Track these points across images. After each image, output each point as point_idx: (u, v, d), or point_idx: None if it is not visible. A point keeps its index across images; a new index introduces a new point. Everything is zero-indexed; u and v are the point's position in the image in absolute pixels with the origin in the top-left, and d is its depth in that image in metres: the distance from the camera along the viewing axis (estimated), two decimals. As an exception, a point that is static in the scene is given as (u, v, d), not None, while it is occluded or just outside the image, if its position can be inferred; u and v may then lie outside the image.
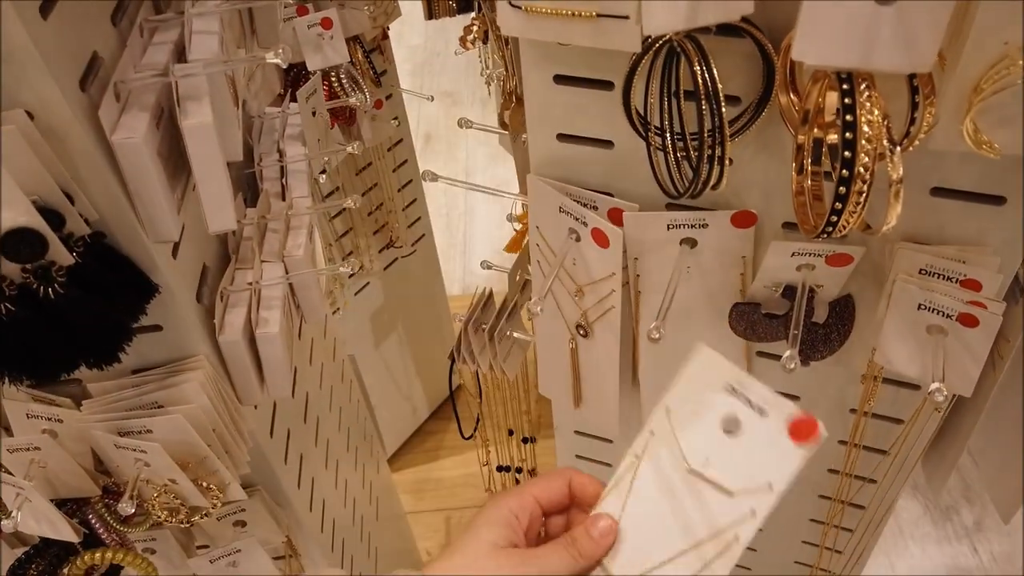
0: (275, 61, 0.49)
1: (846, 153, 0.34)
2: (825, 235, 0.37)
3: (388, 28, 1.14)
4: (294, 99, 0.78)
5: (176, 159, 0.51)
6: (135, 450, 0.53)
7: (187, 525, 0.58)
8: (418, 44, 2.87)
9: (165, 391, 0.54)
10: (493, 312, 0.75)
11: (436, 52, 2.84)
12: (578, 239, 0.55)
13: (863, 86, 0.34)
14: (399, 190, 1.31)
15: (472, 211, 2.24)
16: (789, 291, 0.53)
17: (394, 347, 1.43)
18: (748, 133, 0.46)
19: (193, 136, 0.48)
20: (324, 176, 1.12)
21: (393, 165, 1.28)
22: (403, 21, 1.15)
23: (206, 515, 0.58)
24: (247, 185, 0.69)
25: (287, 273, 0.62)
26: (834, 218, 0.36)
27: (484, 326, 0.74)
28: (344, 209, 1.22)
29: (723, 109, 0.39)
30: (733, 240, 0.53)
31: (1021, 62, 0.32)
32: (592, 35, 0.41)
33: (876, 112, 0.34)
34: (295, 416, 0.75)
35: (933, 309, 0.46)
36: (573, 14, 0.40)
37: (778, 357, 0.60)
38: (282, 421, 0.71)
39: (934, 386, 0.43)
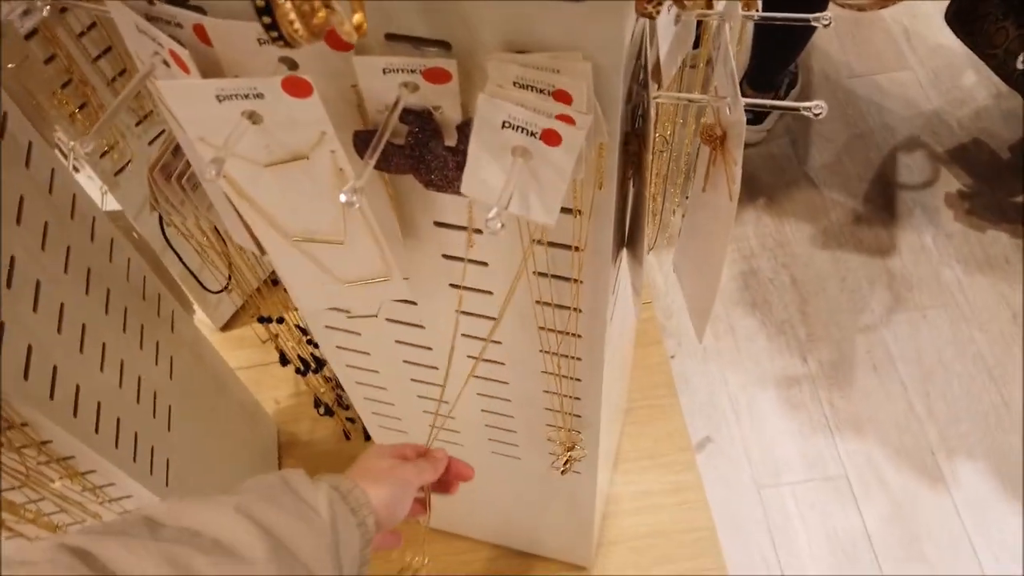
0: None
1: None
2: (280, 43, 0.31)
3: None
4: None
5: None
6: None
7: None
8: None
9: None
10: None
11: None
12: (168, 64, 0.47)
13: None
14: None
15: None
16: (407, 114, 0.47)
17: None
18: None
19: None
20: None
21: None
22: None
23: None
24: None
25: None
26: (266, 19, 0.29)
27: (174, 171, 0.67)
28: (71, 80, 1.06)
29: None
30: (333, 60, 0.46)
31: None
32: None
33: None
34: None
35: (516, 127, 0.41)
36: None
37: (456, 192, 0.55)
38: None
39: (491, 214, 0.38)
